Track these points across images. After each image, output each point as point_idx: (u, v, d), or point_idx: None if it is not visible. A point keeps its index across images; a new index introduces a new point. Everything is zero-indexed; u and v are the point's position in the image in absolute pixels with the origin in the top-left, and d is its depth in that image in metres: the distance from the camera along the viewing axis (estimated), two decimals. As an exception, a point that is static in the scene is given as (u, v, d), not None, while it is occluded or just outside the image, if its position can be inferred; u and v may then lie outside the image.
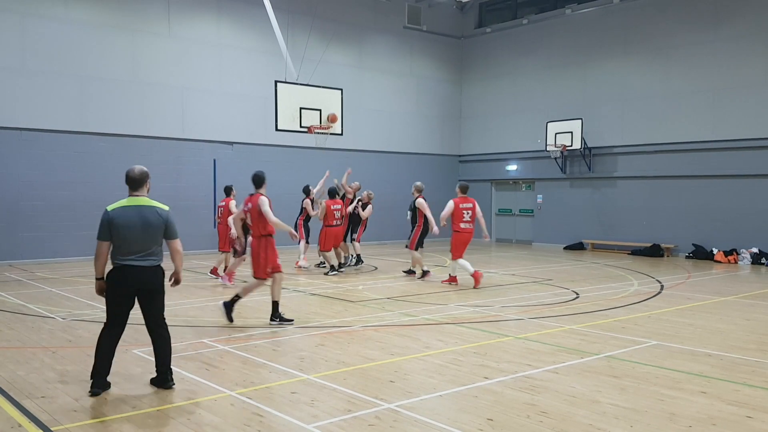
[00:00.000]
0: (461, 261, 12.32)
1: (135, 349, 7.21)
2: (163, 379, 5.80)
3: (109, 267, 5.67)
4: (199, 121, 18.96)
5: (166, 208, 5.77)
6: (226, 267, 12.83)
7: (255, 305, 10.19)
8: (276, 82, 15.01)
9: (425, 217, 13.14)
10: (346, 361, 6.80)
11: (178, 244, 5.77)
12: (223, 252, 13.19)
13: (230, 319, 8.62)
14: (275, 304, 8.77)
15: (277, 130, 15.03)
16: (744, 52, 17.96)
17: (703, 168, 18.66)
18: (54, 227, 16.53)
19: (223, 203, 13.04)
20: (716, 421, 5.03)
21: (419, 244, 13.37)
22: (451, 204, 12.34)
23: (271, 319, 8.75)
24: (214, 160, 19.09)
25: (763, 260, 17.02)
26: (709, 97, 18.61)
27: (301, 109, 15.04)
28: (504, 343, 7.66)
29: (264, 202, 8.56)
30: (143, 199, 5.67)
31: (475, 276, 12.10)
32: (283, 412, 5.16)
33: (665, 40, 19.54)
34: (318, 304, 10.43)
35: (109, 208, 5.62)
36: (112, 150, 17.41)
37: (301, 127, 15.15)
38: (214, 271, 13.37)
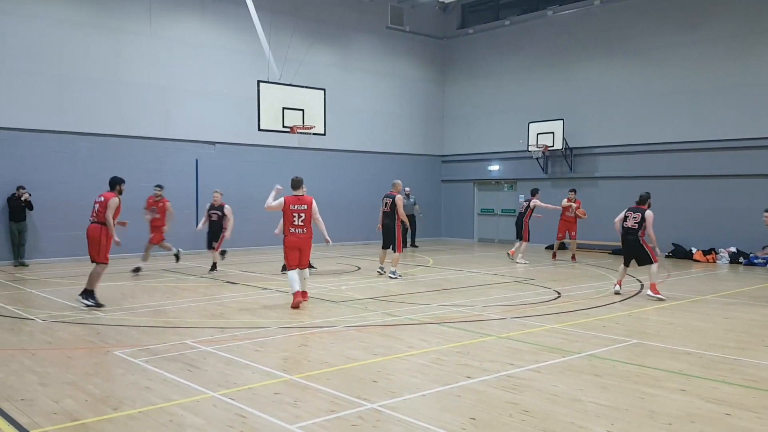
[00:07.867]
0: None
1: (116, 350, 7.17)
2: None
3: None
4: (181, 121, 18.82)
5: None
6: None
7: (238, 305, 10.15)
8: (258, 82, 14.96)
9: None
10: (329, 361, 6.80)
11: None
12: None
13: None
14: None
15: (259, 130, 14.99)
16: (721, 55, 18.20)
17: (682, 168, 18.88)
18: (33, 228, 16.33)
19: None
20: (695, 419, 5.10)
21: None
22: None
23: None
24: (197, 160, 18.97)
25: (741, 259, 17.25)
26: (687, 98, 18.83)
27: (284, 109, 15.02)
28: (486, 343, 7.71)
29: None
30: None
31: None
32: (266, 413, 5.16)
33: (645, 41, 19.76)
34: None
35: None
36: (94, 150, 17.25)
37: (283, 127, 15.13)
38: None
